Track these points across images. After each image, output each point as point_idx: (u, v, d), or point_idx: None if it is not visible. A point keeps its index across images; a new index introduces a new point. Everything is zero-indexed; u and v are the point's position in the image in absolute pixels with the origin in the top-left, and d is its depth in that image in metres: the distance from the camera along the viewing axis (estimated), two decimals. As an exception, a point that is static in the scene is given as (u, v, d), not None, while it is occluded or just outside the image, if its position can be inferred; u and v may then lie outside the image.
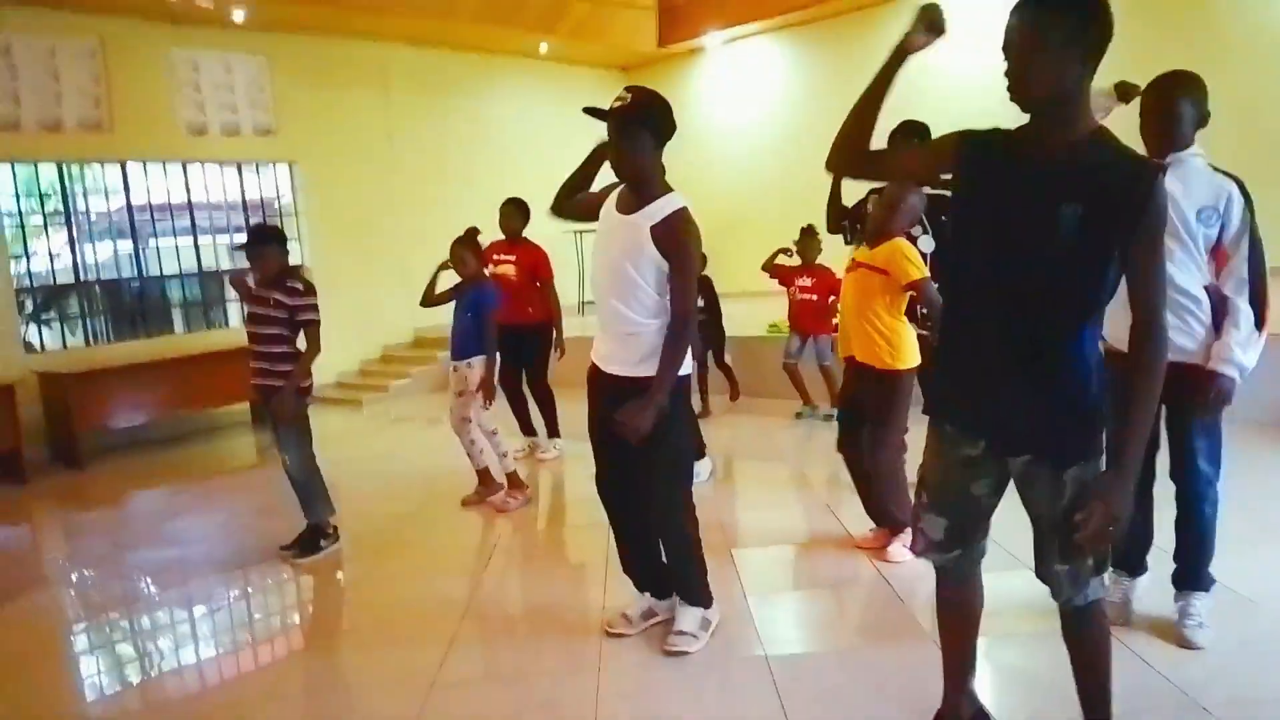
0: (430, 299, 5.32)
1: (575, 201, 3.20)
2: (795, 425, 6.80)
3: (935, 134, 4.43)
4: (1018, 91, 1.87)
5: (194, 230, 9.33)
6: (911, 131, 4.42)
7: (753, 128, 12.12)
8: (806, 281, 6.42)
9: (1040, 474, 1.99)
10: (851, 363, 3.90)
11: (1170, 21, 9.15)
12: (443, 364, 5.12)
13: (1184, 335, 2.74)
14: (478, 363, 5.03)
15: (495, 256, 6.01)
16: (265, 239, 4.56)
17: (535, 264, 6.14)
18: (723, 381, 7.30)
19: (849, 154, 2.14)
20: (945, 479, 2.14)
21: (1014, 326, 1.93)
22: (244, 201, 9.85)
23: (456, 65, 11.42)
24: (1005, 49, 1.88)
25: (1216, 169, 2.78)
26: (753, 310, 7.24)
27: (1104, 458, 1.96)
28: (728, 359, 7.27)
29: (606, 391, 3.08)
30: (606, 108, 2.89)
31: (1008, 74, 1.88)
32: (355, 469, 6.72)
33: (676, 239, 2.88)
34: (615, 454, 3.12)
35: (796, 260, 6.55)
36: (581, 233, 11.46)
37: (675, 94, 12.78)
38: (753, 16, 11.41)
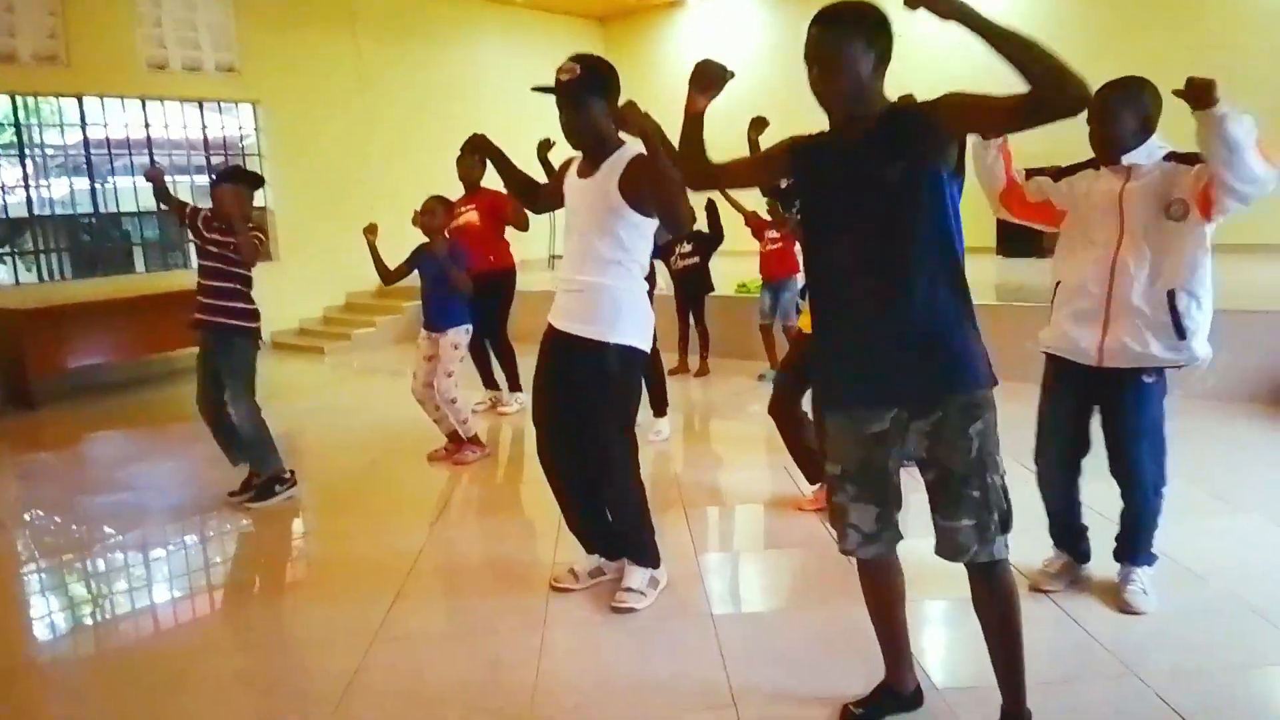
0: (390, 274, 5.07)
1: (540, 197, 3.34)
2: (760, 387, 6.78)
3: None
4: (825, 101, 2.04)
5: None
6: None
7: (732, 85, 11.95)
8: (775, 234, 6.39)
9: (946, 428, 2.02)
10: (803, 334, 3.85)
11: (1151, 5, 9.13)
12: (417, 327, 5.01)
13: (1140, 341, 2.75)
14: (453, 332, 4.98)
15: (457, 210, 5.90)
16: (234, 178, 4.47)
17: (495, 204, 6.00)
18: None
19: (694, 176, 2.50)
20: (866, 462, 2.14)
21: (877, 287, 2.02)
22: (205, 141, 9.60)
23: (430, 9, 11.18)
24: (809, 62, 2.01)
25: (1171, 156, 2.74)
26: (724, 268, 7.19)
27: (989, 391, 2.05)
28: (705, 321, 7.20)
29: (558, 350, 3.06)
30: (553, 84, 2.89)
31: (814, 85, 2.02)
32: (316, 420, 6.65)
33: (644, 172, 2.83)
34: (560, 414, 3.11)
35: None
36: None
37: (654, 47, 12.86)
38: (733, -30, 11.21)
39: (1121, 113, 2.71)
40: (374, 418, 6.46)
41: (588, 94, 2.88)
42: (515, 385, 6.28)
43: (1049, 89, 1.69)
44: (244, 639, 3.26)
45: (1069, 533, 3.14)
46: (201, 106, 9.47)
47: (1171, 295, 2.74)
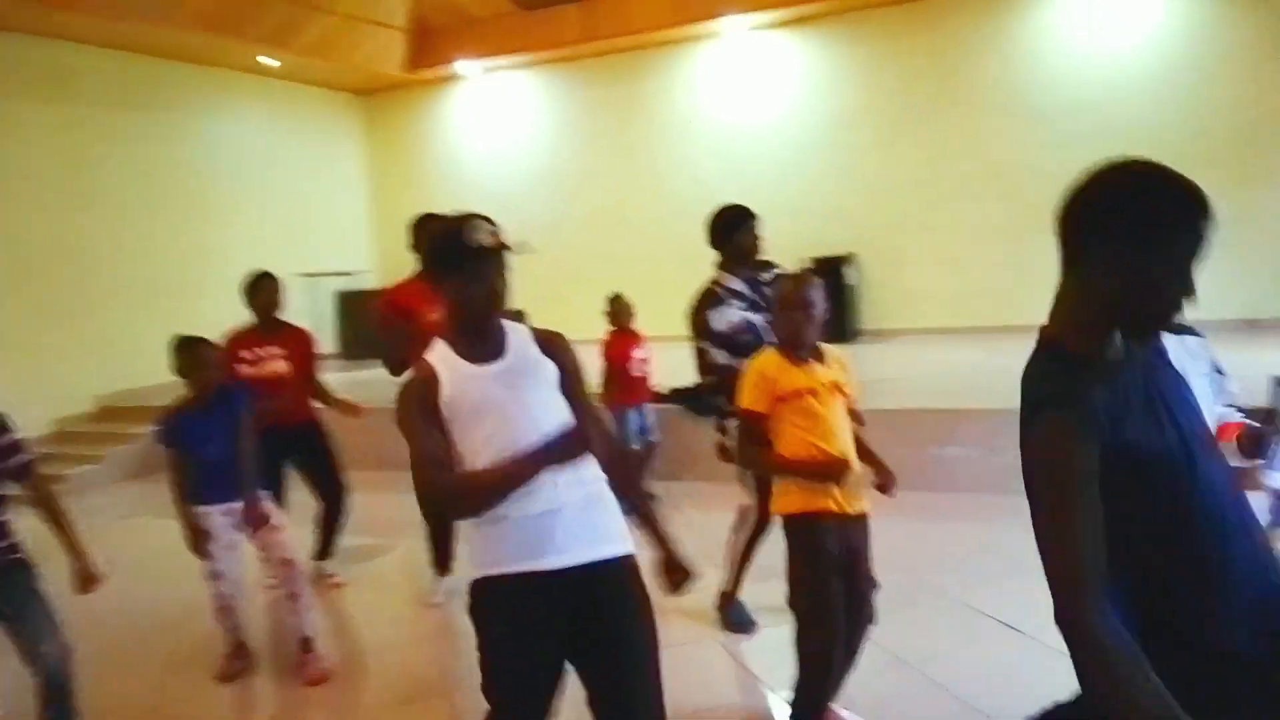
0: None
1: None
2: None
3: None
4: (1166, 313, 1.36)
5: None
6: (740, 216, 3.74)
7: (511, 162, 11.32)
8: (642, 353, 5.54)
9: None
10: (858, 520, 2.84)
11: (939, 96, 9.53)
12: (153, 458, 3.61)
13: None
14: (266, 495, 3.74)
15: (254, 352, 4.53)
16: None
17: (305, 348, 4.74)
18: None
19: None
20: None
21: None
22: None
23: (165, 76, 9.57)
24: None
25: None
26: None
27: None
28: None
29: (581, 595, 2.04)
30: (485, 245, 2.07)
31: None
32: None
33: (563, 343, 2.24)
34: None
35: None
36: (313, 275, 10.01)
37: (421, 124, 11.91)
38: (513, 49, 10.63)
39: None
40: (133, 602, 4.77)
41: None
42: (329, 548, 4.92)
43: None
44: None
45: None
46: None
47: None
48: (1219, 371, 2.45)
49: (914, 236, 9.55)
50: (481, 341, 2.11)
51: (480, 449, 2.01)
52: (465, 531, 2.09)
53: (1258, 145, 8.33)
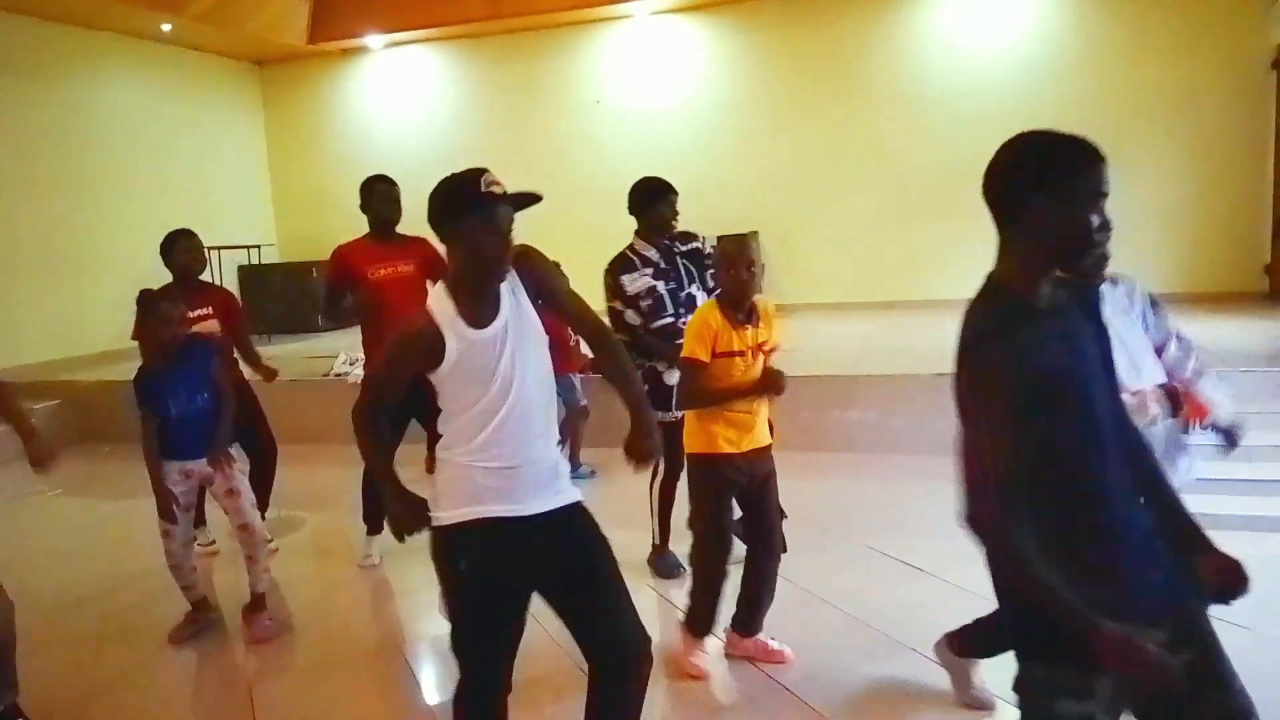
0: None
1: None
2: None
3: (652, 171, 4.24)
4: (1091, 246, 1.62)
5: None
6: (660, 189, 4.03)
7: (415, 137, 11.19)
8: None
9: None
10: (766, 454, 3.22)
11: (830, 86, 9.93)
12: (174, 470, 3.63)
13: None
14: (236, 450, 3.87)
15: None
16: None
17: (229, 307, 4.78)
18: None
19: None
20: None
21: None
22: None
23: (44, 38, 9.11)
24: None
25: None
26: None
27: None
28: None
29: (547, 534, 2.22)
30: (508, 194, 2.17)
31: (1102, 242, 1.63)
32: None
33: (533, 258, 2.32)
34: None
35: None
36: (213, 248, 9.74)
37: (325, 95, 11.65)
38: (418, 23, 10.53)
39: None
40: (45, 584, 4.66)
41: None
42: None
43: None
44: None
45: None
46: None
47: None
48: (1153, 305, 2.78)
49: (808, 217, 9.98)
50: (484, 299, 2.17)
51: (467, 407, 2.15)
52: (437, 479, 2.23)
53: (1118, 132, 9.02)
